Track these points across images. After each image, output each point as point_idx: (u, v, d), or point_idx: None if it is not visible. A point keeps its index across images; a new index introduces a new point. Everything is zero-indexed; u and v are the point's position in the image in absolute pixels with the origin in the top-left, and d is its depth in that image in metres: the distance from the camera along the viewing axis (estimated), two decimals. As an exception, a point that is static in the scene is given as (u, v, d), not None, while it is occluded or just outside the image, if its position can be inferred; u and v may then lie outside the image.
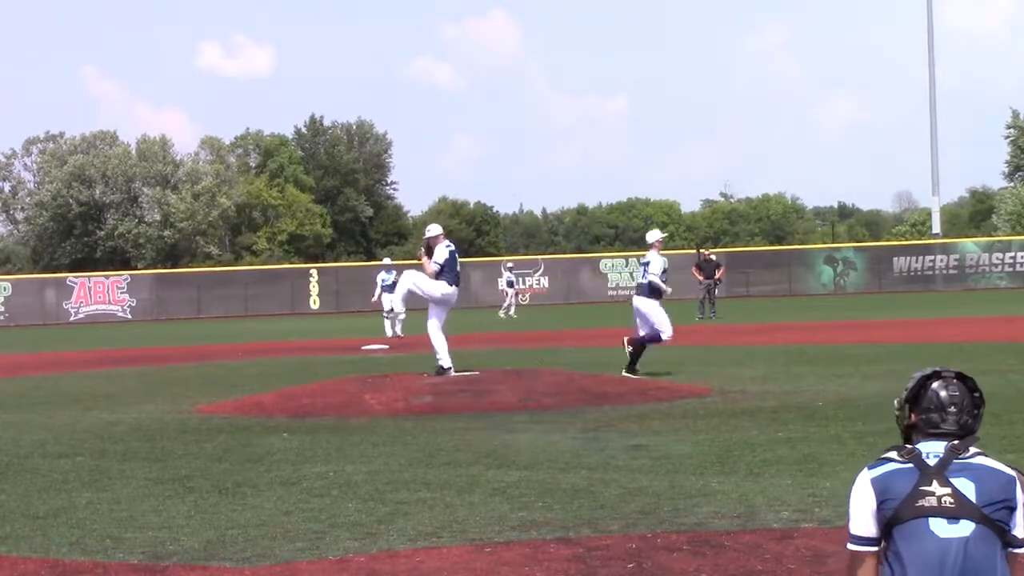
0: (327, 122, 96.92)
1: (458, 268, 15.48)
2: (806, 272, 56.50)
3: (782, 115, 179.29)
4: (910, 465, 3.88)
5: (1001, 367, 16.03)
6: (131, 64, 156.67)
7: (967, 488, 3.80)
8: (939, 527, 3.75)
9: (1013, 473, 3.91)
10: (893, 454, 3.97)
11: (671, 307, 18.14)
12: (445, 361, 15.32)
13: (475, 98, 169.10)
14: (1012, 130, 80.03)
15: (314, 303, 56.95)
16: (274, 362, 23.09)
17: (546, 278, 58.15)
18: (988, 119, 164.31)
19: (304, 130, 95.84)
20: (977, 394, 4.07)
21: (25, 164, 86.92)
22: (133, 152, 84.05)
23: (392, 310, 16.41)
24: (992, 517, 3.77)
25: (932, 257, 55.20)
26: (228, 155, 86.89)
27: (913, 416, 4.08)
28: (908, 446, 3.98)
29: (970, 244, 57.99)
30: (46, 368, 23.65)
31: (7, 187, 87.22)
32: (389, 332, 29.39)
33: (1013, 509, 3.83)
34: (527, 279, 57.60)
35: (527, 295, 56.07)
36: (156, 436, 11.95)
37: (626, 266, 57.81)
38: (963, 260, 54.89)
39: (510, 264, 49.23)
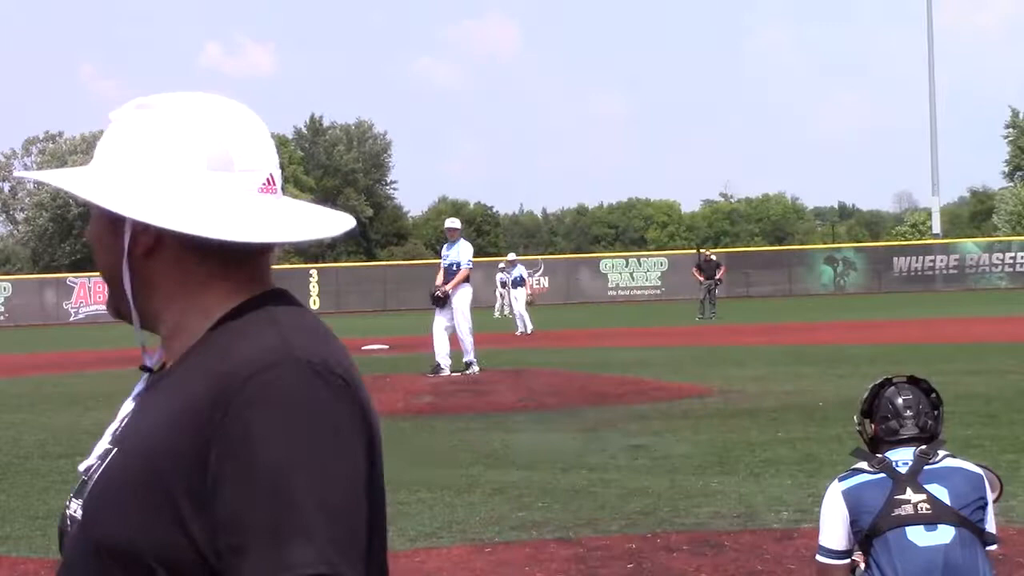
0: (327, 122, 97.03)
1: None
2: (806, 272, 56.47)
3: (782, 115, 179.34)
4: (882, 475, 3.86)
5: (1001, 367, 16.03)
6: (131, 63, 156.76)
7: (941, 492, 3.79)
8: (918, 536, 3.73)
9: (980, 471, 3.90)
10: (863, 464, 3.95)
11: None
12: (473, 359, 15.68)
13: (475, 98, 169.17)
14: (1012, 130, 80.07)
15: (314, 303, 56.94)
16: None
17: (546, 278, 58.14)
18: (988, 119, 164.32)
19: (304, 130, 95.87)
20: (933, 394, 4.07)
21: (25, 164, 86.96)
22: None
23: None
24: (970, 519, 3.76)
25: (932, 257, 55.18)
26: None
27: (873, 427, 4.07)
28: (878, 455, 3.96)
29: (970, 244, 57.98)
30: (46, 368, 23.63)
31: (7, 187, 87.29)
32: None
33: (985, 506, 3.83)
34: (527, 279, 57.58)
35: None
36: (156, 436, 11.95)
37: (626, 266, 57.83)
38: (963, 260, 54.87)
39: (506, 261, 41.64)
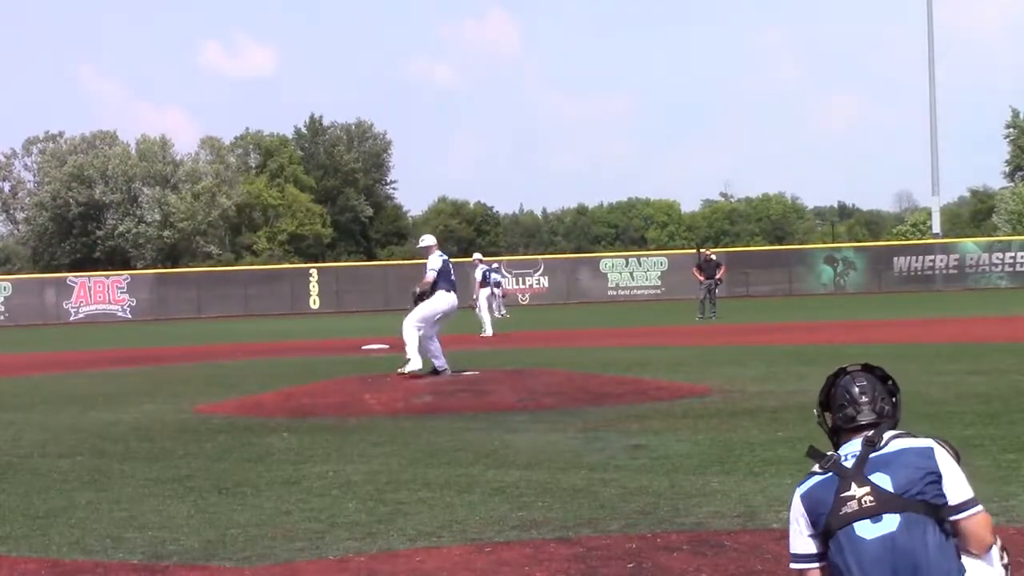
0: (327, 122, 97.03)
1: (453, 276, 15.72)
2: (806, 272, 56.51)
3: (782, 115, 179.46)
4: (830, 474, 3.87)
5: (1001, 367, 16.03)
6: (132, 63, 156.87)
7: (884, 480, 3.76)
8: (865, 530, 3.72)
9: (930, 444, 3.85)
10: (816, 466, 3.96)
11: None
12: (417, 362, 15.21)
13: (475, 98, 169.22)
14: (1012, 129, 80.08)
15: (314, 303, 56.96)
16: (274, 362, 23.09)
17: (546, 278, 58.14)
18: (988, 119, 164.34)
19: (304, 130, 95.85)
20: (890, 382, 4.07)
21: (25, 164, 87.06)
22: (133, 152, 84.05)
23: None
24: (918, 499, 3.71)
25: (932, 257, 55.23)
26: (228, 155, 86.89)
27: (831, 418, 4.09)
28: (829, 453, 3.97)
29: (970, 244, 58.01)
30: (46, 368, 23.64)
31: (7, 187, 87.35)
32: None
33: (939, 479, 3.77)
34: (527, 279, 57.62)
35: (527, 295, 56.08)
36: (156, 436, 11.95)
37: (626, 266, 57.83)
38: (963, 260, 54.91)
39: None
